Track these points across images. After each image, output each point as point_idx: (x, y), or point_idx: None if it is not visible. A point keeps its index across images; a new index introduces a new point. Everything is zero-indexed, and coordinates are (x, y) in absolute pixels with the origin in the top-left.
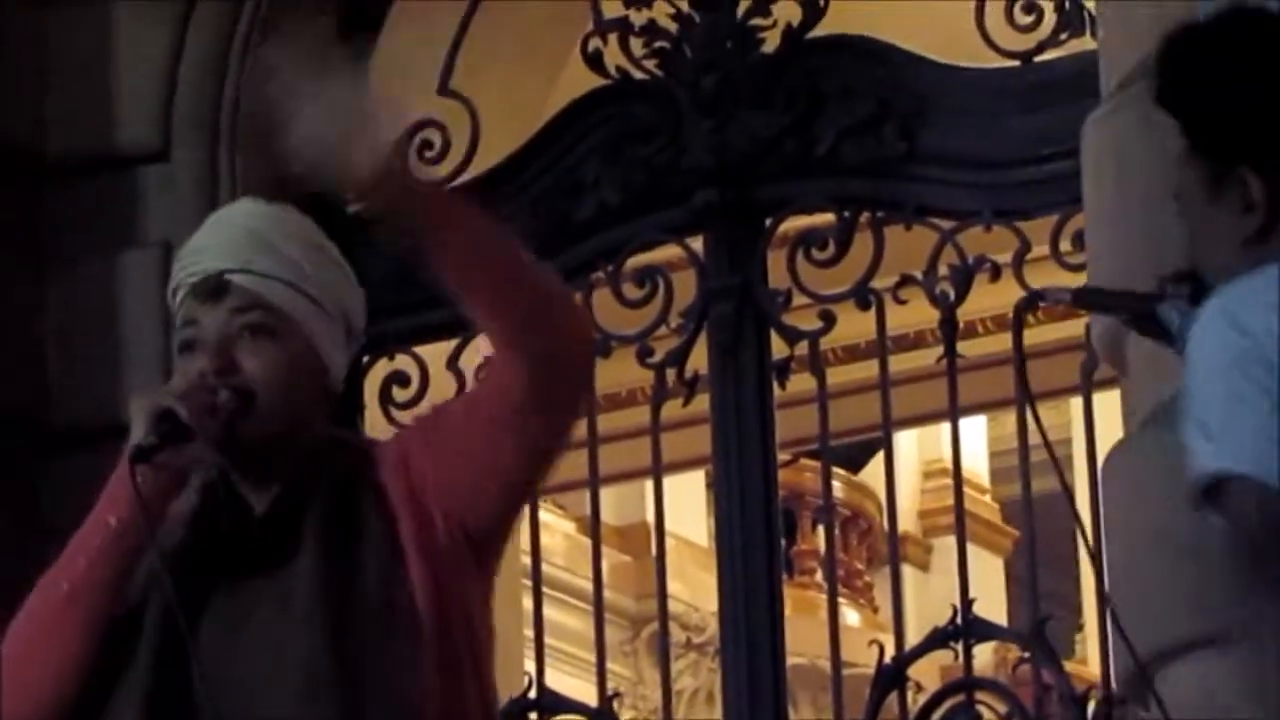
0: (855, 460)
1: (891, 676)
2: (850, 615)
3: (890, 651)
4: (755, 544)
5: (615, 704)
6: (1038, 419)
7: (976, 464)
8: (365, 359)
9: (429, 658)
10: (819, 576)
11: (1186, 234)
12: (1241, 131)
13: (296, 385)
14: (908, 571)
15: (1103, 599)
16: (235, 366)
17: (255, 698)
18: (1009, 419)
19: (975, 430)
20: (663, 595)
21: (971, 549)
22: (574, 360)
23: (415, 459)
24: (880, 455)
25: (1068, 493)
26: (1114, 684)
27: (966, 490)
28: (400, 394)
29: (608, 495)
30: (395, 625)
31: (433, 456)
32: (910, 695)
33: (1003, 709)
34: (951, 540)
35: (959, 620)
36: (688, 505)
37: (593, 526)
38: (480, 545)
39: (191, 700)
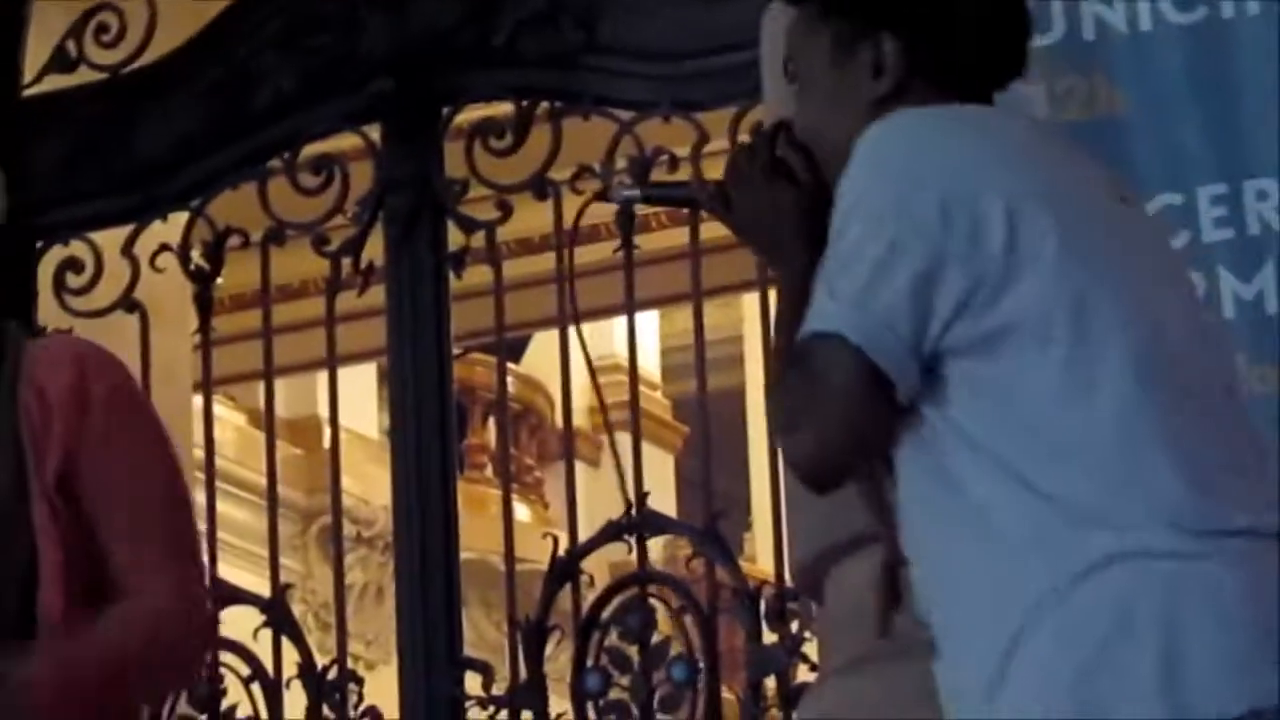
0: (512, 352)
1: (565, 570)
2: (521, 511)
3: (564, 546)
4: (429, 437)
5: (286, 596)
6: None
7: (648, 360)
8: (39, 245)
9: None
10: (489, 471)
11: (796, 102)
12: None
13: None
14: (579, 467)
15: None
16: None
17: None
18: (680, 315)
19: (647, 326)
20: (336, 488)
21: (643, 446)
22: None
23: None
24: (537, 347)
25: None
26: (786, 579)
27: (640, 385)
28: (74, 280)
29: (278, 388)
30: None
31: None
32: (584, 590)
33: (676, 603)
34: (622, 437)
35: (633, 514)
36: (359, 398)
37: (266, 420)
38: None
39: None
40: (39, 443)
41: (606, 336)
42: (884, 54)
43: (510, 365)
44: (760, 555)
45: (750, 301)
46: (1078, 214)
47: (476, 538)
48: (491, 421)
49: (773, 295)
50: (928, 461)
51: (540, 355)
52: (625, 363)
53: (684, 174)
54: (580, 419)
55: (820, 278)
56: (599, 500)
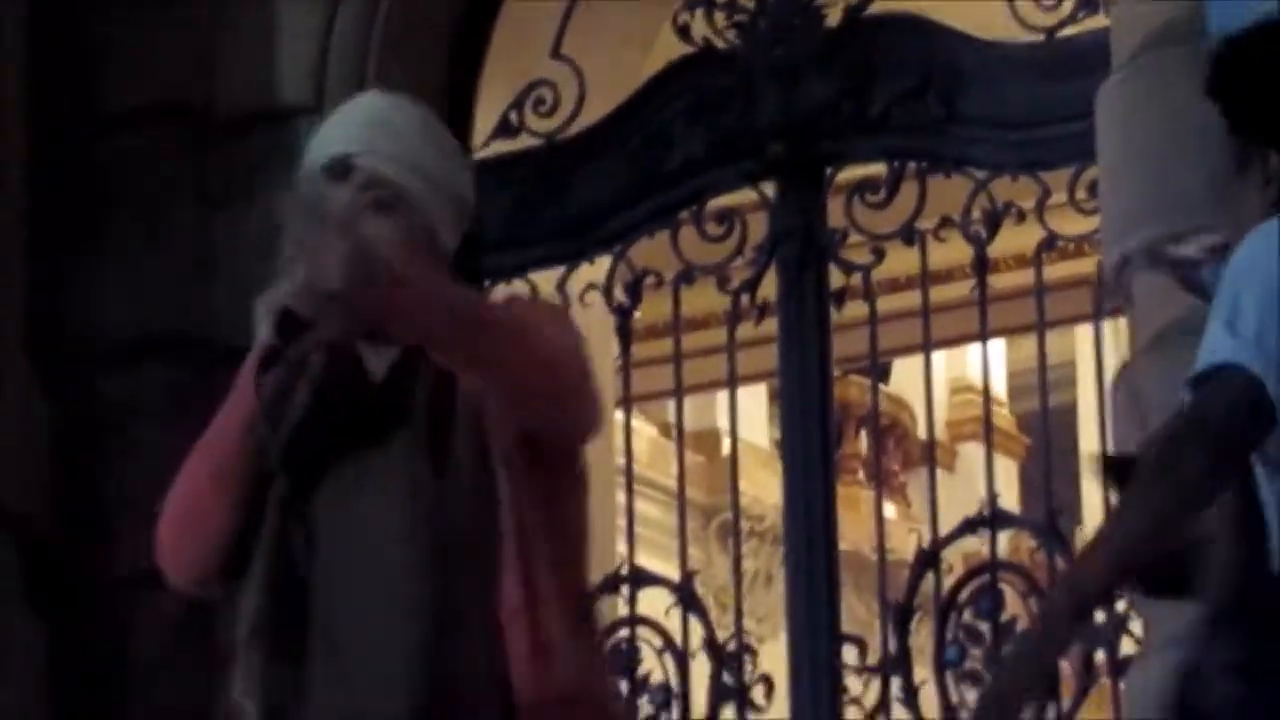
0: (880, 374)
1: (928, 559)
2: (888, 509)
3: (926, 540)
4: (813, 447)
5: (692, 580)
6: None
7: (996, 381)
8: (486, 283)
9: (510, 549)
10: (861, 476)
11: (1222, 207)
12: (1269, 118)
13: (410, 255)
14: (937, 473)
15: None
16: (356, 236)
17: (358, 579)
18: (1025, 343)
19: (996, 352)
20: (735, 490)
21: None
22: (564, 428)
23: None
24: (903, 369)
25: None
26: None
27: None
28: None
29: (684, 404)
30: (481, 516)
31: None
32: (943, 576)
33: (1021, 587)
34: (973, 446)
35: (985, 511)
36: (753, 413)
37: (677, 432)
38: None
39: (306, 575)
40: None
41: (962, 361)
42: (1270, 165)
43: (880, 385)
44: None
45: (1084, 331)
46: None
47: (851, 532)
48: (864, 433)
49: (1105, 326)
50: None
51: (904, 377)
52: (978, 384)
53: (1030, 224)
54: (938, 431)
55: (1225, 320)
56: (953, 501)
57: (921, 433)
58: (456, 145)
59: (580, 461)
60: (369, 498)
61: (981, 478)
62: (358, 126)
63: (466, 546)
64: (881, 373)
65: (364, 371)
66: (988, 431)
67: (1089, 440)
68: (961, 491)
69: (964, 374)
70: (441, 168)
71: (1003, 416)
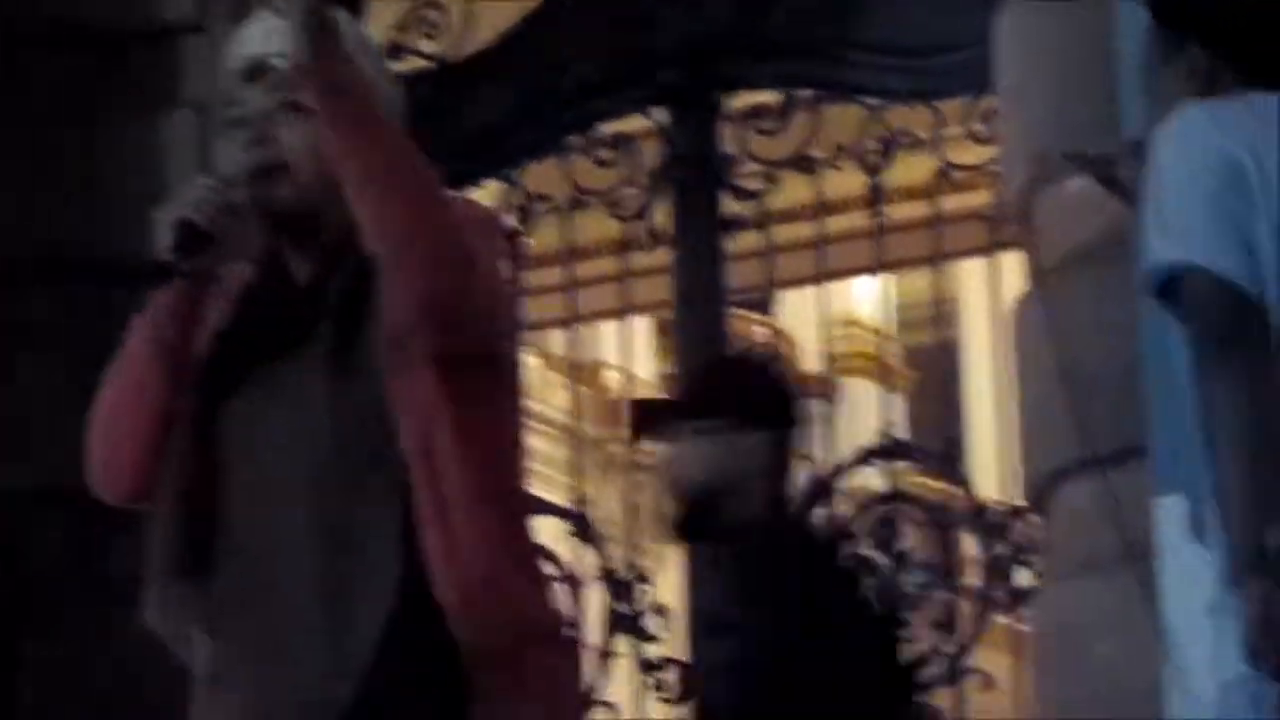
0: (759, 306)
1: (821, 487)
2: None
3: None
4: None
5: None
6: None
7: (887, 314)
8: None
9: (414, 453)
10: None
11: (1148, 101)
12: (1190, 12)
13: (326, 157)
14: (819, 406)
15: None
16: (272, 138)
17: (254, 502)
18: (912, 277)
19: (884, 286)
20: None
21: (877, 388)
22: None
23: None
24: (786, 303)
25: None
26: (1006, 499)
27: (877, 337)
28: None
29: (564, 334)
30: (386, 420)
31: None
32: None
33: (918, 517)
34: (856, 381)
35: (884, 442)
36: (637, 345)
37: (570, 364)
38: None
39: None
40: None
41: (847, 295)
42: (1194, 58)
43: (763, 317)
44: (977, 481)
45: (970, 267)
46: None
47: None
48: None
49: (1005, 259)
50: None
51: (787, 311)
52: (864, 318)
53: (926, 154)
54: (823, 365)
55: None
56: (839, 434)
57: (806, 366)
58: (378, 49)
59: (509, 364)
60: (270, 417)
61: (865, 412)
62: (273, 28)
63: (369, 456)
64: (760, 305)
65: (290, 280)
66: (882, 364)
67: (978, 375)
68: (846, 425)
69: (849, 307)
70: (361, 70)
71: (890, 351)
